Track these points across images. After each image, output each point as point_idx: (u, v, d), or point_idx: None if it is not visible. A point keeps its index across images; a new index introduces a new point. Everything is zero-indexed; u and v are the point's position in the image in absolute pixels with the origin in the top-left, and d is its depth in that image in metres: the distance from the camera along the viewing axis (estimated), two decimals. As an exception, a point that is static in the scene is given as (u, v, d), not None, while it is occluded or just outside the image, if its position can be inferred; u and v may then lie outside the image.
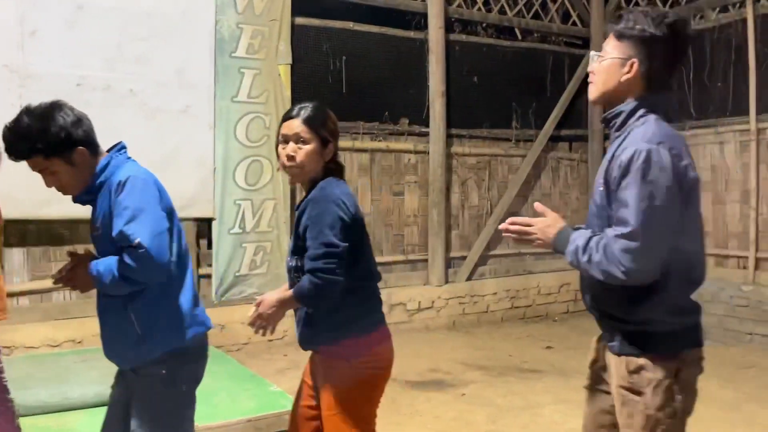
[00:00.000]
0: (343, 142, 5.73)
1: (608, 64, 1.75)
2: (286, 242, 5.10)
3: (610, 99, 1.78)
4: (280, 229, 5.35)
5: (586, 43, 7.06)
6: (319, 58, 5.64)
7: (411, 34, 6.09)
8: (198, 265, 5.11)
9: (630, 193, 1.61)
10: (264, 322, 1.99)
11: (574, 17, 7.01)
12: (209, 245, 5.18)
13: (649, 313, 1.70)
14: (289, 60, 5.39)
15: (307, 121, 2.01)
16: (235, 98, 5.17)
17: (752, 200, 5.75)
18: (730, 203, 6.00)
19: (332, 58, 5.68)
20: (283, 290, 2.04)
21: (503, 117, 6.64)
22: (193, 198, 4.96)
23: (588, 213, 1.85)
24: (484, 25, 6.50)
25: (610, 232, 1.63)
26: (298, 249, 2.00)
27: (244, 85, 5.21)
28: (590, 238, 1.67)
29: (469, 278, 6.35)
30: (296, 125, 2.01)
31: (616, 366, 1.76)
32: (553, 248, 1.75)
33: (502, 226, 1.82)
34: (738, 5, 5.80)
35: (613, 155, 1.72)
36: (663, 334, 1.70)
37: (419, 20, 6.11)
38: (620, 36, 1.73)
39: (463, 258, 6.38)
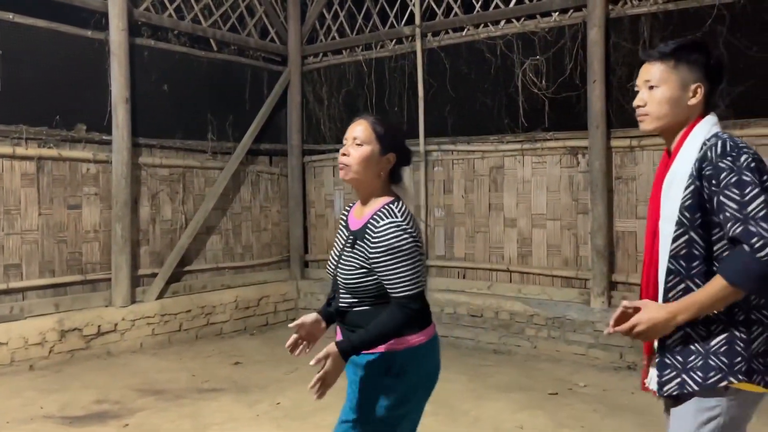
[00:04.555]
0: (1, 148, 5.05)
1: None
2: None
3: None
4: None
5: (284, 61, 7.25)
6: (-33, 50, 4.85)
7: (89, 33, 5.58)
8: None
9: None
10: None
11: (273, 34, 7.14)
12: None
13: None
14: None
15: None
16: None
17: (423, 214, 6.43)
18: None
19: (-15, 51, 4.94)
20: None
21: (198, 128, 6.46)
22: None
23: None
24: (176, 32, 6.26)
25: None
26: None
27: None
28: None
29: (160, 297, 6.02)
30: None
31: None
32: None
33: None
34: (410, 38, 6.45)
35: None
36: None
37: (99, 20, 5.64)
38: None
39: (154, 275, 6.03)
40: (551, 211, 5.75)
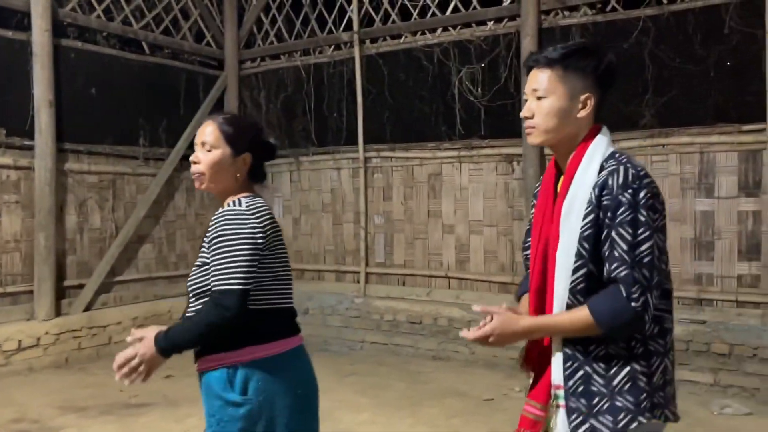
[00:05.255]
0: None
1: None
2: None
3: None
4: None
5: (221, 65, 7.11)
6: None
7: (10, 34, 5.32)
8: None
9: None
10: None
11: (209, 38, 6.99)
12: None
13: None
14: None
15: None
16: None
17: (362, 221, 6.40)
18: (346, 223, 6.59)
19: None
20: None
21: (130, 133, 6.25)
22: None
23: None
24: (105, 34, 6.05)
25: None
26: None
27: None
28: None
29: (87, 308, 5.77)
30: None
31: None
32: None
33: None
34: (348, 45, 6.42)
35: None
36: None
37: (21, 20, 5.38)
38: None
39: (81, 286, 5.78)
40: (488, 218, 5.81)
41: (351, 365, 5.57)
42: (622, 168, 1.61)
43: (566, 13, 5.37)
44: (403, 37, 6.15)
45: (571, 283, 1.65)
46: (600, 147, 1.68)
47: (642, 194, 1.58)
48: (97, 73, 5.94)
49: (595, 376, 1.64)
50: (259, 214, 1.88)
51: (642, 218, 1.57)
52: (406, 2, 6.08)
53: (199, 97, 6.87)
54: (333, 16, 6.53)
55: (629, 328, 1.58)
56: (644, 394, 1.62)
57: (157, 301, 6.34)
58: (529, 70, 1.75)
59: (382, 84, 6.26)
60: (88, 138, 5.88)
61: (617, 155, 1.67)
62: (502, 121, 5.63)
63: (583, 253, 1.63)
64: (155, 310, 6.23)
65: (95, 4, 5.91)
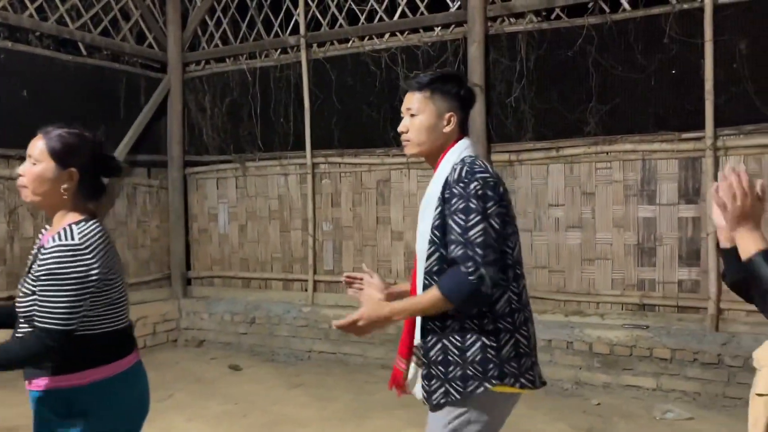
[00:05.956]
0: None
1: None
2: None
3: None
4: None
5: (164, 67, 6.89)
6: None
7: (-68, 31, 5.03)
8: None
9: None
10: None
11: (150, 39, 6.77)
12: None
13: None
14: None
15: None
16: None
17: (310, 227, 6.28)
18: (294, 230, 6.46)
19: None
20: None
21: (65, 138, 5.97)
22: None
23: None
24: (38, 34, 5.78)
25: None
26: None
27: None
28: None
29: (19, 322, 5.48)
30: None
31: None
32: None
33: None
34: (295, 48, 6.31)
35: None
36: None
37: (-55, 17, 5.10)
38: None
39: (11, 299, 5.48)
40: (436, 224, 5.76)
41: (297, 376, 5.45)
42: (459, 167, 1.92)
43: (512, 20, 5.38)
44: (351, 42, 6.07)
45: (426, 267, 1.95)
46: (455, 153, 2.00)
47: (472, 186, 1.87)
48: (30, 74, 5.66)
49: (452, 348, 1.94)
50: (93, 245, 1.81)
51: (472, 206, 1.85)
52: (354, 6, 6.01)
53: (141, 101, 6.64)
54: (279, 20, 6.40)
55: (473, 299, 1.83)
56: (491, 365, 1.90)
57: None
58: (404, 93, 2.10)
59: (329, 89, 6.16)
60: (19, 143, 5.54)
61: (464, 157, 1.97)
62: (450, 127, 5.60)
63: (435, 240, 1.94)
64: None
65: (27, 3, 5.64)
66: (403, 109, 2.07)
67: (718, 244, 1.85)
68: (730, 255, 1.72)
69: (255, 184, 6.67)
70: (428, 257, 1.94)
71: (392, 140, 5.88)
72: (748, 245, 1.54)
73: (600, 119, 5.02)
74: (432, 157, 2.06)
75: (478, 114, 5.36)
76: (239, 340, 6.43)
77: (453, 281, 1.83)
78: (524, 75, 5.27)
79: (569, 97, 5.13)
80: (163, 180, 6.94)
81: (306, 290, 6.33)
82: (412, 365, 2.06)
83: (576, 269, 5.20)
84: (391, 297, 2.13)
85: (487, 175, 1.91)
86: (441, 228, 1.92)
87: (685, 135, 4.77)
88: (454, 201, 1.88)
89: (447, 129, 2.02)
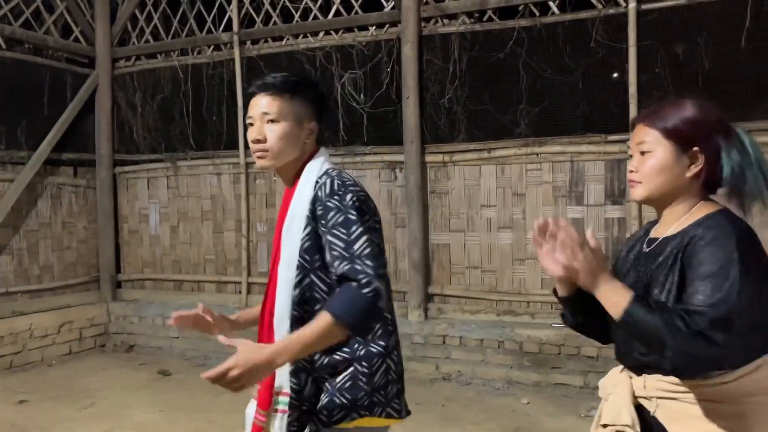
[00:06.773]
0: None
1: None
2: None
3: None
4: None
5: (92, 63, 6.64)
6: None
7: None
8: None
9: None
10: None
11: (77, 33, 6.50)
12: None
13: None
14: None
15: None
16: None
17: (244, 228, 6.15)
18: (227, 231, 6.32)
19: None
20: None
21: (-18, 135, 5.69)
22: None
23: None
24: (-49, 24, 5.48)
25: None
26: None
27: None
28: None
29: (-71, 329, 5.18)
30: None
31: None
32: None
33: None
34: (228, 45, 6.16)
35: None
36: None
37: None
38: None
39: None
40: (371, 225, 5.72)
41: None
42: (328, 180, 1.74)
43: (446, 21, 5.39)
44: (285, 40, 5.97)
45: (296, 296, 1.73)
46: (316, 165, 1.81)
47: (348, 198, 1.70)
48: (-58, 67, 5.36)
49: (323, 380, 1.74)
50: None
51: (352, 217, 1.68)
52: (288, 4, 5.91)
53: (66, 97, 6.37)
54: (212, 16, 6.24)
55: (369, 316, 1.63)
56: (362, 393, 1.72)
57: (15, 318, 5.78)
58: (251, 96, 1.84)
59: (263, 87, 6.04)
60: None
61: (328, 170, 1.80)
62: (385, 128, 5.58)
63: (305, 264, 1.73)
64: (13, 329, 5.68)
65: (-61, -8, 5.35)
66: (254, 113, 1.80)
67: (555, 292, 1.74)
68: (570, 301, 1.69)
69: (187, 184, 6.50)
70: (296, 285, 1.73)
71: (327, 140, 5.79)
72: (616, 298, 1.46)
73: (530, 121, 5.08)
74: (286, 171, 1.84)
75: (412, 115, 5.35)
76: (170, 344, 6.24)
77: (344, 299, 1.60)
78: (457, 76, 5.29)
79: (501, 99, 5.17)
80: (91, 179, 6.68)
81: (240, 292, 6.19)
82: (273, 414, 1.81)
83: (508, 269, 5.25)
84: (239, 325, 1.96)
85: (359, 188, 1.76)
86: (311, 250, 1.72)
87: (611, 137, 4.87)
88: (330, 216, 1.69)
89: (308, 140, 1.83)
